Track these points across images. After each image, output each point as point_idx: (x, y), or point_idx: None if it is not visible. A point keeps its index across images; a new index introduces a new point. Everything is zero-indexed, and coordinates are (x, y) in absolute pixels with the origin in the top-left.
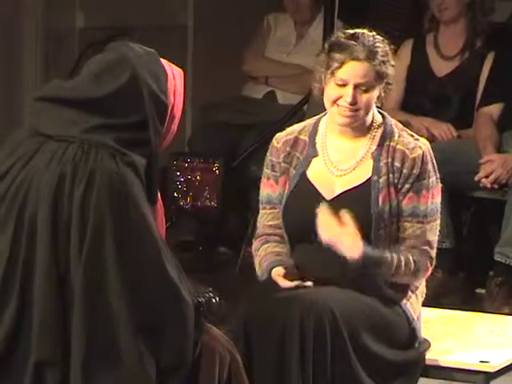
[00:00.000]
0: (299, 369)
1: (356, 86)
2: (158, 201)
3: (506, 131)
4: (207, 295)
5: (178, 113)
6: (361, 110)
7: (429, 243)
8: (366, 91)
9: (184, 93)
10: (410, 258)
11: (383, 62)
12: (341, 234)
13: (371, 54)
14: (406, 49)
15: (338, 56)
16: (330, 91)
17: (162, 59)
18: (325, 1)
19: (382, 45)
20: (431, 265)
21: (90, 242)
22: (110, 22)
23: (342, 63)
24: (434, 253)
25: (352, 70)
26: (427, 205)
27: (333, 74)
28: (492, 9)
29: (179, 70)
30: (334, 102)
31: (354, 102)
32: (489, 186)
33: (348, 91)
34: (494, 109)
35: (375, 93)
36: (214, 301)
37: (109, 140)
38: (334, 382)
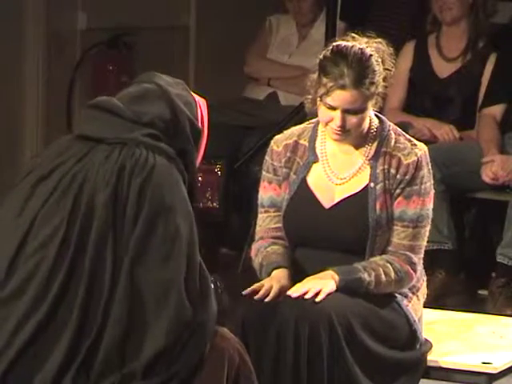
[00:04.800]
0: (293, 369)
1: (345, 110)
2: None
3: (508, 132)
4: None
5: (204, 140)
6: (352, 130)
7: (412, 248)
8: (356, 113)
9: None
10: (390, 267)
11: (372, 83)
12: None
13: (358, 81)
14: (408, 50)
15: (325, 81)
16: (322, 114)
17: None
18: (327, 2)
19: (370, 62)
20: (414, 270)
21: (140, 231)
22: (112, 23)
23: (328, 90)
24: (417, 258)
25: (339, 98)
26: (416, 210)
27: (321, 98)
28: (494, 10)
29: (202, 99)
30: (327, 123)
31: (343, 125)
32: (491, 182)
33: (337, 115)
34: (497, 110)
35: (367, 112)
36: (215, 287)
37: (164, 145)
38: (330, 383)
